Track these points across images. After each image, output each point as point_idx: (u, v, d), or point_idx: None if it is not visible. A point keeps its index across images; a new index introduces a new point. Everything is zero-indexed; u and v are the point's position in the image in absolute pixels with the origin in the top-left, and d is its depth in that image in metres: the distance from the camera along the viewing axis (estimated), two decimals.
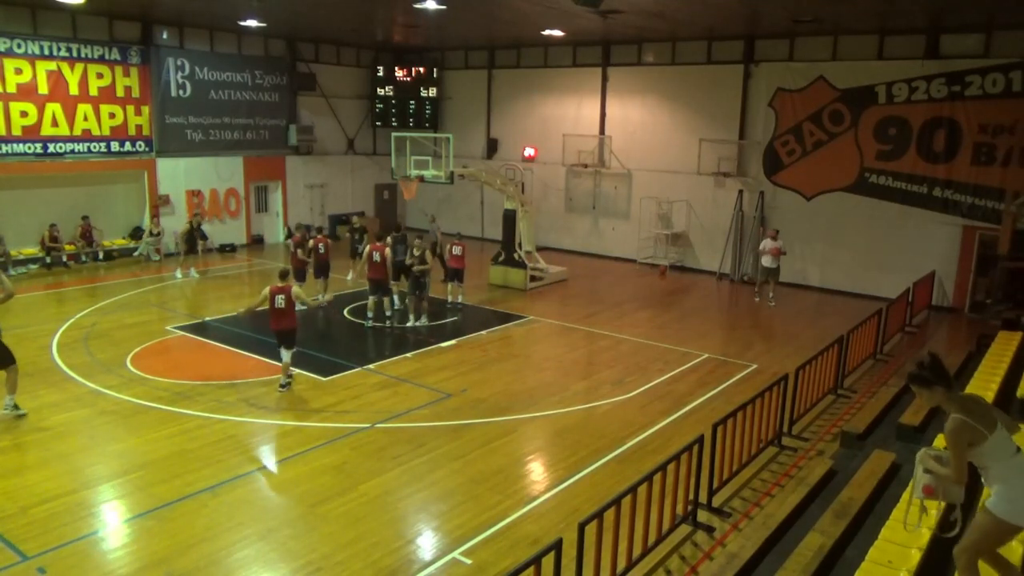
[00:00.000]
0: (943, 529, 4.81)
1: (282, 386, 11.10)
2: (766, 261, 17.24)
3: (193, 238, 18.83)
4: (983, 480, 4.45)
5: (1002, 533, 4.48)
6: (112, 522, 7.59)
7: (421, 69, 25.34)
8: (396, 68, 25.35)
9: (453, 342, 13.90)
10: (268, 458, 9.20)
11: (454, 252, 16.23)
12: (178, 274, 18.54)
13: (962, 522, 4.81)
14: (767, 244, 17.21)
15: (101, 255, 20.10)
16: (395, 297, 15.43)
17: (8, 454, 8.90)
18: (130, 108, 20.16)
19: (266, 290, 11.01)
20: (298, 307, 11.06)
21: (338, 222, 25.38)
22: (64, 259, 19.36)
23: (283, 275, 11.21)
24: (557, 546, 5.26)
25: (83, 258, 19.76)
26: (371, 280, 14.48)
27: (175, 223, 21.41)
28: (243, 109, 22.53)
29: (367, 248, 14.56)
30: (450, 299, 16.53)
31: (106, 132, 19.75)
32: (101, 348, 12.89)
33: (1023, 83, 15.94)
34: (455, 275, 16.34)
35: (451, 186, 23.23)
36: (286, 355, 11.08)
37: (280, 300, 10.85)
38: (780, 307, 17.81)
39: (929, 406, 4.57)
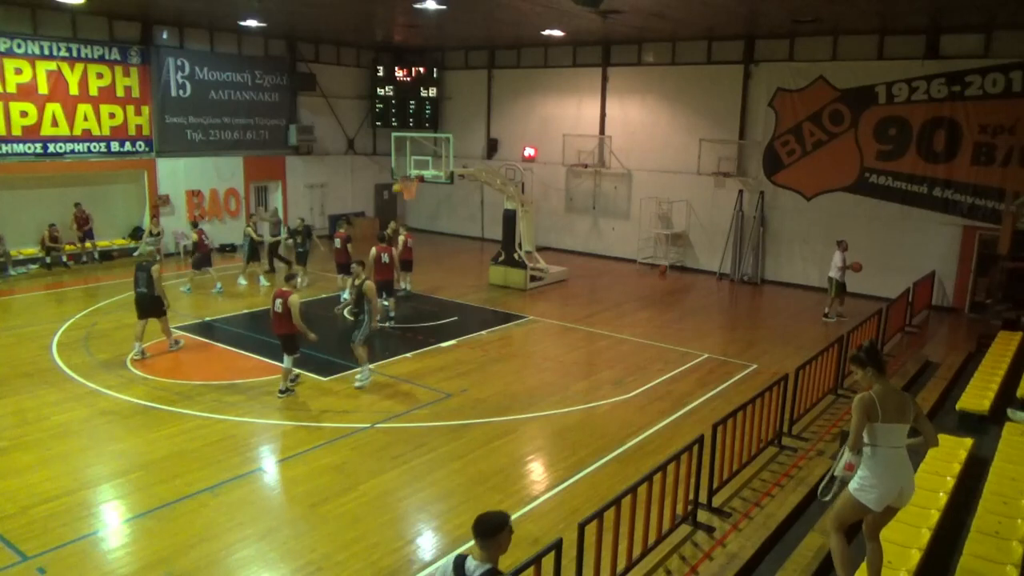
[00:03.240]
0: (820, 494, 5.62)
1: (280, 391, 10.91)
2: (838, 275, 15.77)
3: (254, 244, 17.57)
4: (864, 458, 5.14)
5: (856, 508, 5.15)
6: (112, 522, 7.59)
7: (421, 69, 25.35)
8: (396, 68, 25.34)
9: (453, 342, 13.89)
10: (268, 458, 9.21)
11: (407, 244, 16.67)
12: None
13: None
14: (840, 258, 15.69)
15: (97, 256, 19.89)
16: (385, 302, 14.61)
17: (8, 454, 8.90)
18: (130, 108, 20.17)
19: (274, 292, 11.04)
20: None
21: (336, 222, 25.37)
22: (64, 259, 19.36)
23: (288, 278, 11.08)
24: (557, 546, 5.25)
25: (84, 258, 19.68)
26: (379, 282, 14.42)
27: (175, 223, 21.45)
28: (243, 109, 22.54)
29: (374, 251, 14.49)
30: (402, 285, 17.03)
31: (106, 132, 19.75)
32: (101, 348, 12.90)
33: (1023, 83, 15.95)
34: (405, 265, 16.85)
35: (451, 186, 23.29)
36: (287, 361, 10.89)
37: (278, 304, 10.65)
38: (780, 307, 17.83)
39: (863, 383, 5.25)
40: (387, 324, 14.65)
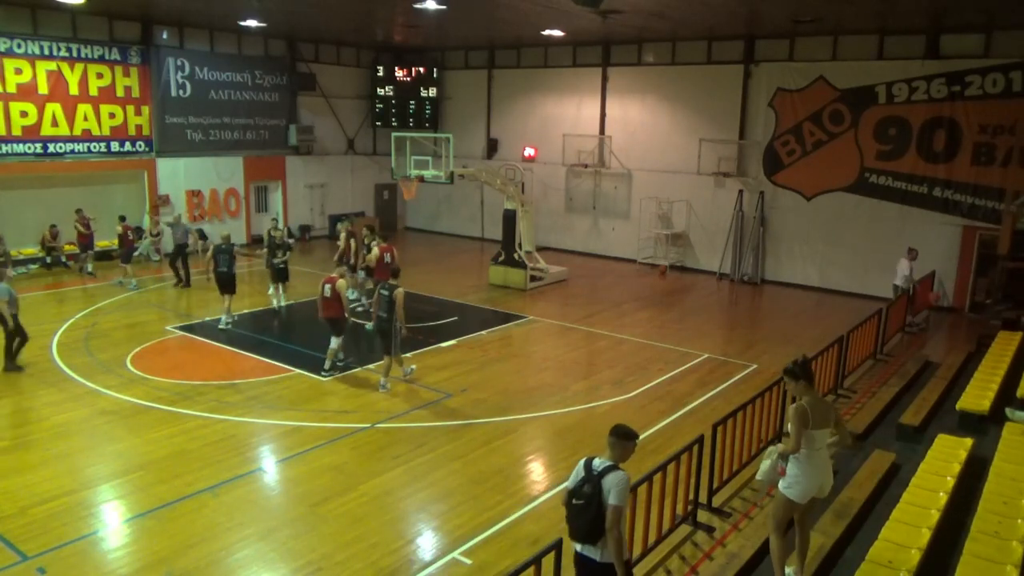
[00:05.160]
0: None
1: (324, 371, 11.72)
2: (903, 283, 14.77)
3: (272, 251, 15.69)
4: (793, 459, 5.77)
5: (787, 506, 5.80)
6: (112, 522, 7.59)
7: (421, 69, 25.34)
8: (396, 68, 25.34)
9: (453, 342, 13.89)
10: (268, 458, 9.21)
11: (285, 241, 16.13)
12: (277, 302, 16.03)
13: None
14: (907, 266, 14.79)
15: (90, 269, 18.61)
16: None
17: (8, 454, 8.90)
18: (130, 108, 20.16)
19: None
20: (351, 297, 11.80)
21: (337, 221, 25.38)
22: (64, 259, 19.33)
23: (338, 264, 12.22)
24: (557, 546, 5.25)
25: (79, 269, 18.76)
26: (379, 282, 14.40)
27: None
28: (243, 109, 22.53)
29: (376, 250, 14.51)
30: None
31: (106, 132, 19.74)
32: (101, 348, 12.89)
33: (1023, 83, 15.95)
34: (281, 275, 15.70)
35: (451, 186, 23.30)
36: (334, 342, 11.73)
37: (327, 289, 11.55)
38: (780, 307, 17.84)
39: (794, 393, 5.93)
40: None
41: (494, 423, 10.20)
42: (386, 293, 10.98)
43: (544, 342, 14.33)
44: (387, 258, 14.33)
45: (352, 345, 13.79)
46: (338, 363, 11.96)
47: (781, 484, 5.79)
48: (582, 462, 5.15)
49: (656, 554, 6.89)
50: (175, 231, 17.72)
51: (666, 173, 21.41)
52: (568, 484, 5.20)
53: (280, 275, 15.74)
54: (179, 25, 20.75)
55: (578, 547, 5.14)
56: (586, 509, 4.94)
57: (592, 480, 4.97)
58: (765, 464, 6.04)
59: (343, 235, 16.16)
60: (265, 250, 16.23)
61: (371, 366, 12.35)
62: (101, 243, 20.05)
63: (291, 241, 17.39)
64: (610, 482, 4.92)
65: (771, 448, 6.11)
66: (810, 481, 5.68)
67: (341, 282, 11.59)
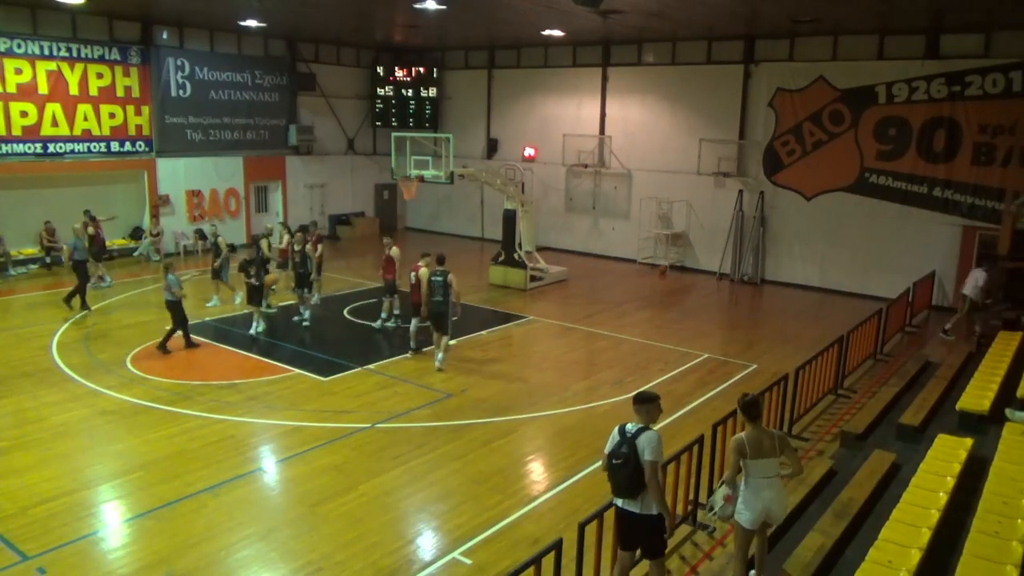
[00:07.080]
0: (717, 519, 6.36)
1: (412, 349, 12.95)
2: (975, 294, 14.30)
3: (262, 262, 14.19)
4: (740, 487, 5.97)
5: (742, 533, 5.97)
6: (112, 522, 7.59)
7: (421, 69, 25.34)
8: (396, 68, 25.34)
9: (453, 342, 13.86)
10: (268, 458, 9.21)
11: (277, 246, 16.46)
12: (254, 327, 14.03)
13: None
14: (984, 277, 14.31)
15: (107, 280, 17.49)
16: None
17: (8, 454, 8.90)
18: (130, 108, 20.16)
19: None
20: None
21: (338, 222, 25.43)
22: (64, 259, 19.30)
23: (421, 256, 12.83)
24: (557, 546, 5.26)
25: (92, 281, 16.97)
26: (389, 281, 14.43)
27: (175, 223, 21.46)
28: (243, 109, 22.53)
29: (396, 250, 14.51)
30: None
31: (106, 132, 19.74)
32: (101, 348, 12.90)
33: (1023, 83, 15.95)
34: (257, 294, 14.01)
35: (451, 186, 23.28)
36: (413, 324, 12.92)
37: (412, 277, 12.68)
38: (780, 307, 17.83)
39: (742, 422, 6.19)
40: (391, 323, 14.66)
41: (494, 423, 10.20)
42: (440, 279, 12.01)
43: (544, 342, 14.33)
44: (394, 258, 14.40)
45: (352, 344, 13.82)
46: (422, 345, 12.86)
47: (736, 512, 5.98)
48: (616, 428, 5.72)
49: None
50: (75, 246, 15.35)
51: (666, 173, 21.41)
52: (606, 448, 5.75)
53: (254, 295, 13.78)
54: (179, 25, 20.75)
55: (619, 502, 5.71)
56: (624, 466, 5.54)
57: (627, 441, 5.57)
58: (718, 492, 6.18)
59: (285, 237, 16.55)
60: (218, 260, 15.57)
61: (371, 366, 12.36)
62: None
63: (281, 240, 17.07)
64: (643, 441, 5.52)
65: (718, 489, 6.26)
66: (754, 508, 5.87)
67: (423, 271, 12.35)
